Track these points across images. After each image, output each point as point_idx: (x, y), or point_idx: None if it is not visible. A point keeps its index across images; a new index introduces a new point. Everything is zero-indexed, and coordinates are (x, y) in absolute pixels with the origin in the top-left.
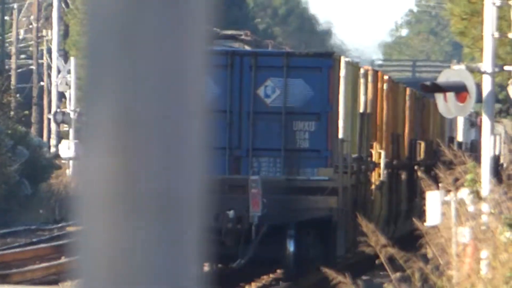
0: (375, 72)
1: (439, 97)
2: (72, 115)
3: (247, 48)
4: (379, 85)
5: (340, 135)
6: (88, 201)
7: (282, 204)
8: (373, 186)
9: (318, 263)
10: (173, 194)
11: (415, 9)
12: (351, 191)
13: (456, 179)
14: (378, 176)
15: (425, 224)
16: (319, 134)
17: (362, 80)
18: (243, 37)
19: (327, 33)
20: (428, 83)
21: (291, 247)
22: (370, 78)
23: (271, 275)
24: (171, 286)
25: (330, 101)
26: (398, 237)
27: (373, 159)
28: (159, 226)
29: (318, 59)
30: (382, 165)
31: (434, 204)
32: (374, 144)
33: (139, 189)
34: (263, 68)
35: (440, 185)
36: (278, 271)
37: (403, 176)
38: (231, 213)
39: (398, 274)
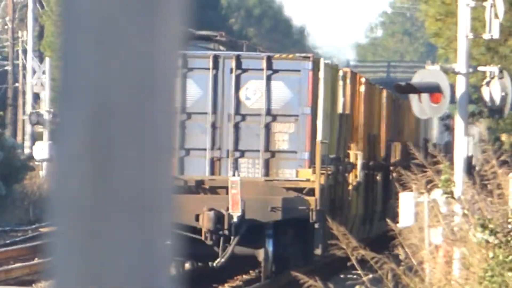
0: (354, 74)
1: (413, 97)
2: (46, 116)
3: (222, 48)
4: (357, 87)
5: (319, 137)
6: (61, 202)
7: (261, 204)
8: (350, 187)
9: (296, 262)
10: (146, 194)
11: (389, 10)
12: (329, 192)
13: (429, 181)
14: (355, 177)
15: (398, 225)
16: (298, 135)
17: (340, 82)
18: (217, 38)
19: (302, 34)
20: (402, 83)
21: (269, 246)
22: (348, 80)
23: (250, 274)
24: (144, 286)
25: (309, 103)
26: (374, 237)
27: (351, 160)
28: (131, 226)
29: (298, 62)
30: (359, 166)
31: (408, 205)
32: (352, 145)
33: (112, 190)
34: (244, 71)
35: (413, 186)
36: (257, 269)
37: (379, 177)
38: (211, 213)
39: (370, 276)
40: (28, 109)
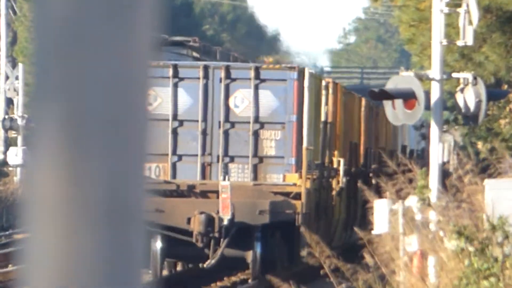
0: (335, 84)
1: (387, 104)
2: (20, 122)
3: (195, 54)
4: (338, 96)
5: (304, 143)
6: (35, 208)
7: (250, 208)
8: (333, 192)
9: (283, 263)
10: (120, 199)
11: (362, 16)
12: (314, 196)
13: (400, 189)
14: (337, 182)
15: (373, 232)
16: (285, 142)
17: (323, 92)
18: (191, 43)
19: (275, 40)
20: (376, 90)
21: (258, 248)
22: (330, 90)
23: (240, 275)
24: None
25: (295, 111)
26: (355, 241)
27: (334, 166)
28: (106, 231)
29: (284, 72)
30: (341, 172)
31: (382, 212)
32: (335, 152)
33: (86, 195)
34: (233, 80)
35: (387, 193)
36: (246, 270)
37: (359, 183)
38: (202, 216)
39: (343, 285)
40: (1, 114)
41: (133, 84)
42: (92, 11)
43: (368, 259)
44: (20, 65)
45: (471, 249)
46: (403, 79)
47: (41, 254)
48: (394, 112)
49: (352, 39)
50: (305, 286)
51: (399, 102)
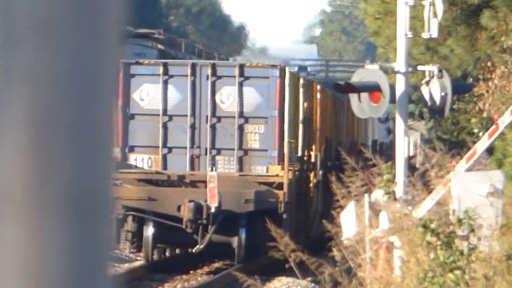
0: (311, 82)
1: (353, 97)
2: None
3: (160, 47)
4: (314, 93)
5: (286, 137)
6: (1, 203)
7: (235, 197)
8: (311, 184)
9: (266, 249)
10: (86, 193)
11: (328, 9)
12: (295, 186)
13: (365, 183)
14: (314, 175)
15: (343, 238)
16: (268, 136)
17: (301, 89)
18: (156, 35)
19: (241, 32)
20: (341, 83)
21: (243, 234)
22: (307, 88)
23: (225, 261)
24: (85, 286)
25: (276, 107)
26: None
27: (312, 160)
28: (72, 226)
29: (267, 70)
30: (318, 166)
31: (350, 217)
32: (313, 146)
33: (51, 190)
34: (219, 78)
35: (351, 193)
36: (232, 255)
37: (333, 176)
38: (191, 204)
39: (309, 278)
40: None
41: (101, 78)
42: (58, 5)
43: (335, 252)
44: None
45: (437, 242)
46: (369, 72)
47: (6, 250)
48: (360, 105)
49: (317, 31)
50: (270, 279)
51: (364, 95)
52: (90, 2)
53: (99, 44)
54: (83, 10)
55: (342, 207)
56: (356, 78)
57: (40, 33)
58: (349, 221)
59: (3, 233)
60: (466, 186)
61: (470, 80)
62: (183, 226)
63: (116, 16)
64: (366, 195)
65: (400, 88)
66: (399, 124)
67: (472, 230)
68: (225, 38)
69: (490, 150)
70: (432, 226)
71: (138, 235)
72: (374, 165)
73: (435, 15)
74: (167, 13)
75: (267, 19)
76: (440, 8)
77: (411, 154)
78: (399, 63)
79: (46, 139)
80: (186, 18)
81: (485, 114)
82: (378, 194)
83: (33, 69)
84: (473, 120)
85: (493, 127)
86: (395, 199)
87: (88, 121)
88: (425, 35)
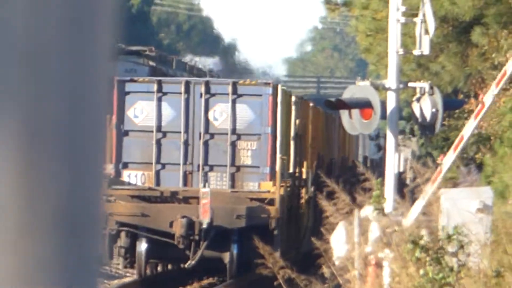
0: (304, 100)
1: (343, 113)
2: None
3: (151, 63)
4: (306, 111)
5: (278, 154)
6: None
7: (228, 213)
8: (303, 200)
9: (258, 264)
10: (77, 209)
11: (319, 25)
12: (287, 202)
13: (354, 199)
14: (306, 192)
15: (334, 258)
16: (260, 152)
17: (293, 107)
18: (147, 52)
19: (232, 49)
20: (332, 99)
21: (235, 250)
22: (299, 106)
23: (217, 275)
24: None
25: (269, 124)
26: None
27: (303, 177)
28: (63, 241)
29: (260, 87)
30: (309, 182)
31: (339, 237)
32: (304, 163)
33: (42, 206)
34: (212, 95)
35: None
36: (224, 270)
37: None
38: (183, 220)
39: None
40: None
41: (90, 95)
42: (49, 20)
43: (324, 269)
44: None
45: (426, 258)
46: (360, 89)
47: None
48: (351, 121)
49: (308, 48)
50: None
51: (355, 111)
52: (82, 18)
53: (91, 60)
54: (75, 27)
55: (331, 224)
56: (347, 94)
57: (32, 49)
58: (339, 241)
59: None
60: (456, 202)
61: (461, 96)
62: (175, 242)
63: (108, 32)
64: (356, 211)
65: (391, 105)
66: (390, 141)
67: (462, 247)
68: (217, 55)
69: (479, 166)
70: (422, 242)
71: (131, 250)
72: (365, 180)
73: (427, 32)
74: (158, 30)
75: (258, 36)
76: (431, 25)
77: (401, 170)
78: (390, 80)
79: (37, 156)
80: (177, 35)
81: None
82: (367, 210)
83: (24, 85)
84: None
85: (479, 106)
86: (384, 215)
87: (79, 137)
88: (416, 52)
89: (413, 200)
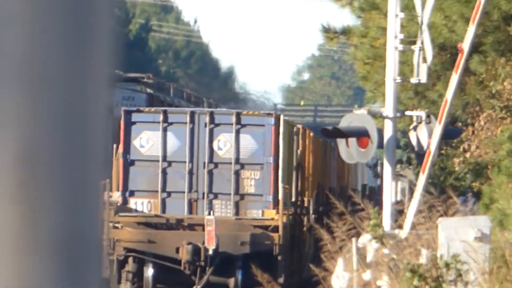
0: (304, 130)
1: (341, 142)
2: None
3: (149, 91)
4: (307, 141)
5: (280, 183)
6: None
7: (232, 239)
8: (304, 228)
9: None
10: (75, 235)
11: (316, 53)
12: (289, 230)
13: (353, 227)
14: (307, 220)
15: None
16: (263, 181)
17: (295, 137)
18: (145, 79)
19: (230, 76)
20: (329, 128)
21: (239, 275)
22: (300, 136)
23: None
24: None
25: (272, 154)
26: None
27: (305, 205)
28: (61, 268)
29: (262, 118)
30: (310, 210)
31: (340, 275)
32: (305, 191)
33: (39, 233)
34: (216, 125)
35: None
36: None
37: (325, 220)
38: (189, 246)
39: None
40: None
41: (89, 119)
42: (47, 45)
43: None
44: None
45: (425, 287)
46: (357, 117)
47: None
48: (347, 150)
49: (306, 76)
50: None
51: (352, 140)
52: (79, 44)
53: (88, 87)
54: (72, 53)
55: (329, 252)
56: (344, 123)
57: (29, 75)
58: (338, 276)
59: None
60: (453, 231)
61: (459, 125)
62: (182, 268)
63: (105, 59)
64: (353, 240)
65: (388, 133)
66: (387, 169)
67: (460, 275)
68: (214, 83)
69: (477, 195)
70: (420, 271)
71: (138, 275)
72: (362, 209)
73: (425, 60)
74: (156, 56)
75: (255, 63)
76: (429, 53)
77: (399, 199)
78: (387, 108)
79: (34, 182)
80: (174, 61)
81: (469, 156)
82: (365, 239)
83: (20, 111)
84: (455, 160)
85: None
86: (382, 243)
87: (76, 163)
88: (413, 80)
89: (411, 228)
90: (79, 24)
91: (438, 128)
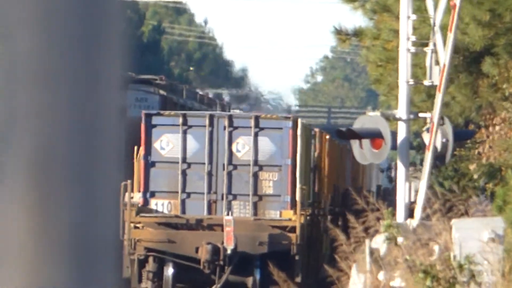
0: (321, 133)
1: (354, 143)
2: None
3: (162, 92)
4: (323, 143)
5: (298, 184)
6: (2, 249)
7: (250, 240)
8: (321, 229)
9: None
10: (90, 237)
11: (329, 55)
12: (307, 230)
13: (368, 227)
14: (324, 220)
15: None
16: (281, 182)
17: (312, 140)
18: (158, 81)
19: (243, 78)
20: (343, 129)
21: (257, 275)
22: (317, 139)
23: None
24: None
25: (289, 156)
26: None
27: (321, 206)
28: (77, 268)
29: (280, 121)
30: (327, 211)
31: (356, 279)
32: (322, 193)
33: (55, 235)
34: (235, 128)
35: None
36: None
37: (340, 221)
38: (209, 246)
39: None
40: None
41: (104, 121)
42: (61, 48)
43: None
44: None
45: (438, 287)
46: (370, 119)
47: None
48: (361, 151)
49: (319, 78)
50: None
51: (366, 141)
52: (92, 47)
53: (101, 89)
54: (85, 55)
55: (344, 252)
56: (358, 124)
57: (42, 80)
58: (356, 285)
59: (6, 281)
60: (467, 232)
61: (472, 127)
62: (201, 267)
63: (118, 61)
64: (367, 241)
65: (401, 135)
66: (400, 170)
67: (473, 276)
68: (228, 84)
69: (491, 196)
70: (433, 272)
71: (158, 275)
72: (377, 209)
73: (437, 62)
74: (169, 59)
75: (268, 65)
76: (442, 55)
77: (412, 199)
78: (401, 110)
79: (49, 184)
80: (187, 63)
81: (484, 159)
82: (379, 239)
83: (34, 114)
84: (471, 166)
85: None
86: (396, 244)
87: (91, 164)
88: (426, 83)
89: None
90: (91, 26)
91: (438, 96)
